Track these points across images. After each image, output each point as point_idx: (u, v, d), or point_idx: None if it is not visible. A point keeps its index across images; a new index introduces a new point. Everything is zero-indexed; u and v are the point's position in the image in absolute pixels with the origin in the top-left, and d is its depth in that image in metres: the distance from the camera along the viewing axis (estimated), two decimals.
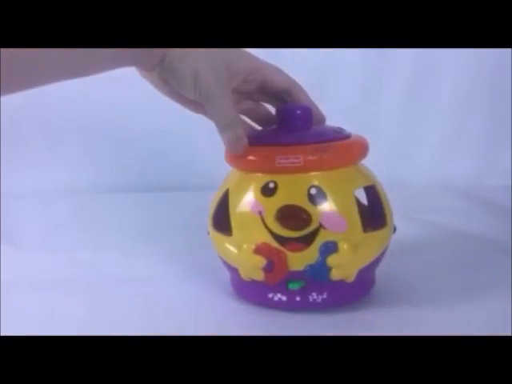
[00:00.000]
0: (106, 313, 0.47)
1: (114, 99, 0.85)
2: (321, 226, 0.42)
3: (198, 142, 0.86)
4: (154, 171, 0.90)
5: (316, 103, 0.47)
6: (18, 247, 0.65)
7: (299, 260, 0.42)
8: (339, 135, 0.45)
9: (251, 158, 0.44)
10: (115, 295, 0.51)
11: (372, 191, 0.46)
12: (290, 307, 0.45)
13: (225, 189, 0.46)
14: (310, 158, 0.42)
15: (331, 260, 0.42)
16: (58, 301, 0.50)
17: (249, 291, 0.47)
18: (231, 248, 0.45)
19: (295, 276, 0.43)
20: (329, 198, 0.42)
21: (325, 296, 0.44)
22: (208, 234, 0.48)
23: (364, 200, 0.46)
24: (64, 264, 0.59)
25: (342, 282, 0.43)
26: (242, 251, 0.43)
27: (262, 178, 0.43)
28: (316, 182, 0.42)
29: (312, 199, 0.42)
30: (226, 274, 0.49)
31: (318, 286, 0.44)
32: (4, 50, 0.35)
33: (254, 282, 0.45)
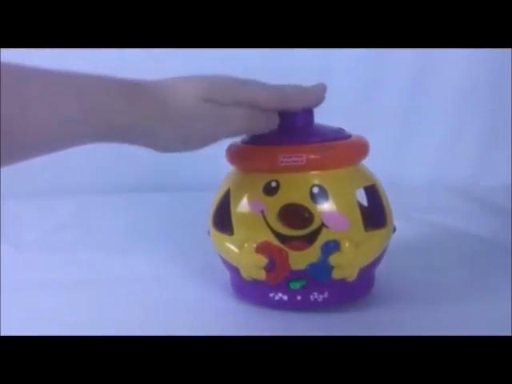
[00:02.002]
0: (105, 313, 0.47)
1: None
2: (323, 225, 0.42)
3: None
4: (154, 171, 0.90)
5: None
6: (18, 247, 0.65)
7: (301, 259, 0.42)
8: (340, 135, 0.45)
9: (253, 157, 0.44)
10: (115, 295, 0.51)
11: (372, 191, 0.46)
12: (291, 306, 0.45)
13: (226, 188, 0.46)
14: (312, 157, 0.42)
15: (333, 259, 0.42)
16: (58, 301, 0.49)
17: (249, 291, 0.47)
18: (232, 247, 0.45)
19: (296, 275, 0.43)
20: (330, 196, 0.42)
21: (326, 295, 0.44)
22: (208, 233, 0.48)
23: (362, 201, 0.46)
24: (64, 264, 0.59)
25: (343, 281, 0.43)
26: (243, 250, 0.43)
27: (263, 177, 0.43)
28: (318, 181, 0.42)
29: (314, 198, 0.42)
30: (226, 274, 0.49)
31: (319, 285, 0.44)
32: None
33: (254, 282, 0.45)
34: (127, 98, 0.35)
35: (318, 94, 0.43)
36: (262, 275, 0.43)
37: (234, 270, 0.46)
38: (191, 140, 0.39)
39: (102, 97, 0.34)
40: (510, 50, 0.79)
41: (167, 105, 0.37)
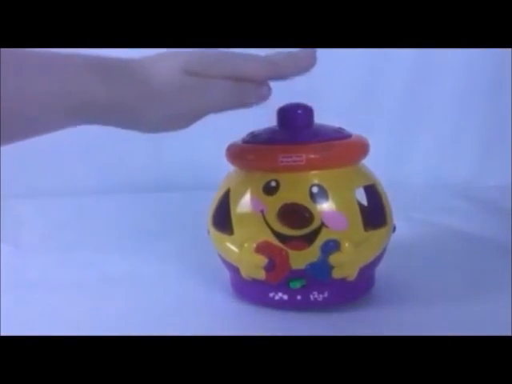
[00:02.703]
0: (105, 313, 0.47)
1: None
2: (322, 225, 0.42)
3: (197, 142, 0.86)
4: (154, 171, 0.90)
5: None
6: (18, 247, 0.65)
7: (301, 258, 0.42)
8: (340, 135, 0.45)
9: (253, 156, 0.44)
10: (115, 295, 0.51)
11: (372, 190, 0.46)
12: (291, 306, 0.45)
13: (226, 188, 0.46)
14: (312, 156, 0.42)
15: (333, 258, 0.42)
16: (58, 301, 0.49)
17: (249, 290, 0.47)
18: (232, 247, 0.45)
19: (296, 275, 0.43)
20: (330, 196, 0.42)
21: (326, 295, 0.44)
22: (208, 233, 0.48)
23: (362, 200, 0.46)
24: (64, 264, 0.59)
25: (343, 281, 0.43)
26: (243, 250, 0.43)
27: (263, 177, 0.43)
28: (318, 181, 0.42)
29: (314, 198, 0.42)
30: (226, 274, 0.49)
31: (319, 285, 0.44)
32: None
33: (254, 281, 0.45)
34: (100, 74, 0.34)
35: (308, 58, 0.41)
36: (261, 275, 0.43)
37: (234, 270, 0.46)
38: (176, 117, 0.37)
39: (72, 73, 0.33)
40: (509, 50, 0.79)
41: (150, 81, 0.35)
